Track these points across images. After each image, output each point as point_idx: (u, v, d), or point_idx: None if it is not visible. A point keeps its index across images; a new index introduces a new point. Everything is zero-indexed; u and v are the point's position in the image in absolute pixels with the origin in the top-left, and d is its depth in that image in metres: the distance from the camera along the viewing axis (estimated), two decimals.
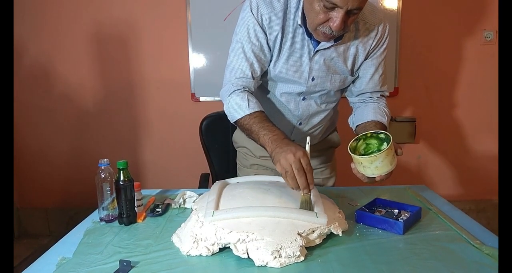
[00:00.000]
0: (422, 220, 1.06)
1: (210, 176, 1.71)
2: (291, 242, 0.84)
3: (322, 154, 1.42)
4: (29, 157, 2.46)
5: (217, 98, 2.29)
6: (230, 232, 0.86)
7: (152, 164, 2.47)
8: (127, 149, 2.44)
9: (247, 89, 1.16)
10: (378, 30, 1.17)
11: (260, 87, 1.25)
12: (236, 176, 1.47)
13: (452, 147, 2.45)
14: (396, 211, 1.06)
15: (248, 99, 1.11)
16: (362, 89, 1.25)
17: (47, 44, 2.32)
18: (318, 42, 1.13)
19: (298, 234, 0.87)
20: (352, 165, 1.00)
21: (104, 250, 0.91)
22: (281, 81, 1.22)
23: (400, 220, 0.99)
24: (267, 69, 1.20)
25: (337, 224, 0.95)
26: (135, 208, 1.08)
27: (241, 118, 1.11)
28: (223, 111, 1.19)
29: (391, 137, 0.95)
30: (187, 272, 0.82)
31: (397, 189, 1.30)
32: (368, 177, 0.98)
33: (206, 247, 0.87)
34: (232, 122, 1.17)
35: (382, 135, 0.98)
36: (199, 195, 1.17)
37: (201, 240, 0.88)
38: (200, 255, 0.87)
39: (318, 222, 0.91)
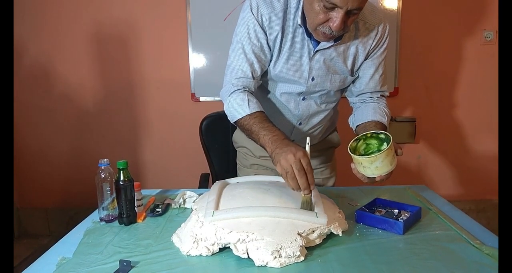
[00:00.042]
0: (422, 220, 1.06)
1: (210, 176, 1.71)
2: (291, 242, 0.84)
3: (322, 154, 1.42)
4: (29, 157, 2.46)
5: (217, 98, 2.29)
6: (230, 232, 0.86)
7: (152, 164, 2.47)
8: (127, 149, 2.44)
9: (248, 89, 1.16)
10: (378, 30, 1.17)
11: (260, 87, 1.25)
12: (236, 176, 1.47)
13: (452, 147, 2.45)
14: (396, 211, 1.06)
15: (248, 99, 1.11)
16: (362, 89, 1.25)
17: (47, 44, 2.32)
18: (318, 42, 1.13)
19: (298, 234, 0.87)
20: (352, 165, 1.00)
21: (104, 250, 0.92)
22: (281, 81, 1.22)
23: (400, 220, 0.99)
24: (267, 69, 1.20)
25: (337, 224, 0.95)
26: (135, 208, 1.08)
27: (241, 118, 1.11)
28: (223, 111, 1.18)
29: (391, 137, 0.95)
30: (187, 272, 0.82)
31: (397, 189, 1.30)
32: (368, 177, 0.98)
33: (206, 247, 0.87)
34: (232, 122, 1.17)
35: (382, 135, 0.99)
36: (199, 195, 1.17)
37: (201, 240, 0.88)
38: (200, 255, 0.87)
39: (318, 222, 0.91)
